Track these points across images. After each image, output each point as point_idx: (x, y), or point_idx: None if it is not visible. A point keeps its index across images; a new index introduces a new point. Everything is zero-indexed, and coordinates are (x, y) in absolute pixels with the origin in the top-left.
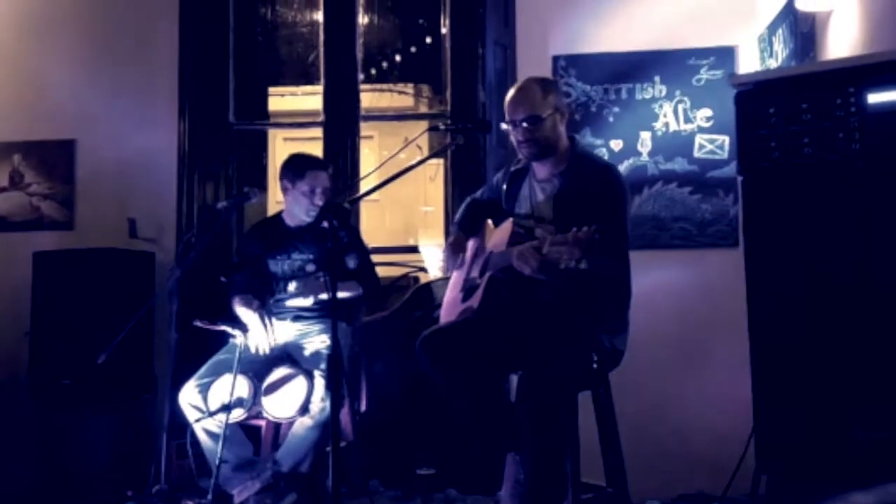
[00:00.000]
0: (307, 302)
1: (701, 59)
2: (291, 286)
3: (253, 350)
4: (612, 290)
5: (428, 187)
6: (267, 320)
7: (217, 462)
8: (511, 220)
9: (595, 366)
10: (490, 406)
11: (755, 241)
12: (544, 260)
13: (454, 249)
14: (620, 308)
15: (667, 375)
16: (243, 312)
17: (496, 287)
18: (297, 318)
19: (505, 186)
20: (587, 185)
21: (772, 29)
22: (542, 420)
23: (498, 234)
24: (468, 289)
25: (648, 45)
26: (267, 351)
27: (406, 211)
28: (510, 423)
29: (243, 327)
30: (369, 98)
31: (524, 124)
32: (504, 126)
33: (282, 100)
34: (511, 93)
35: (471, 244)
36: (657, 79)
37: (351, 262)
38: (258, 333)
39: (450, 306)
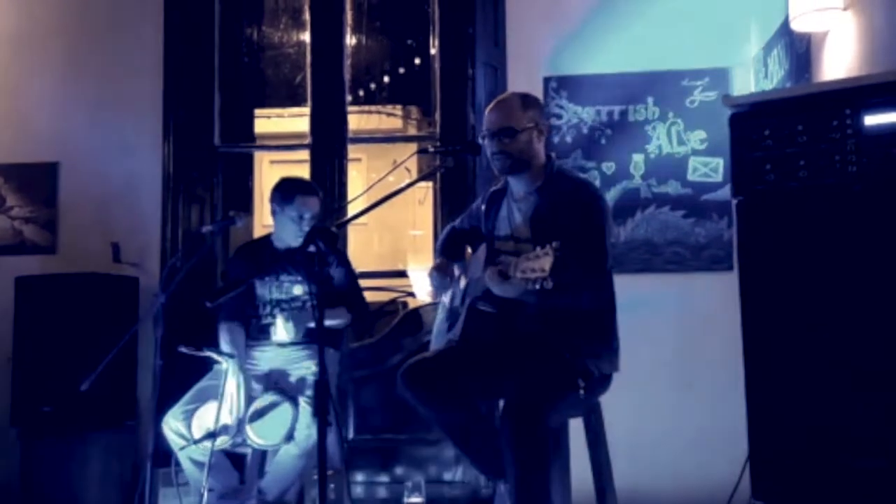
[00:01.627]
0: (297, 336)
1: (695, 80)
2: (280, 321)
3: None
4: (592, 313)
5: (417, 211)
6: (242, 379)
7: (202, 491)
8: (484, 245)
9: (582, 392)
10: (474, 436)
11: (750, 265)
12: (513, 280)
13: (441, 272)
14: (604, 331)
15: (661, 401)
16: (228, 352)
17: (476, 315)
18: (282, 345)
19: (484, 208)
20: (563, 201)
21: (767, 50)
22: (523, 448)
23: (475, 261)
24: (452, 317)
25: (641, 67)
26: (239, 411)
27: (394, 235)
28: (497, 451)
29: (229, 353)
30: (357, 120)
31: (499, 136)
32: (481, 139)
33: (268, 122)
34: (491, 104)
35: (456, 271)
36: (650, 100)
37: (338, 280)
38: (231, 392)
39: (439, 334)
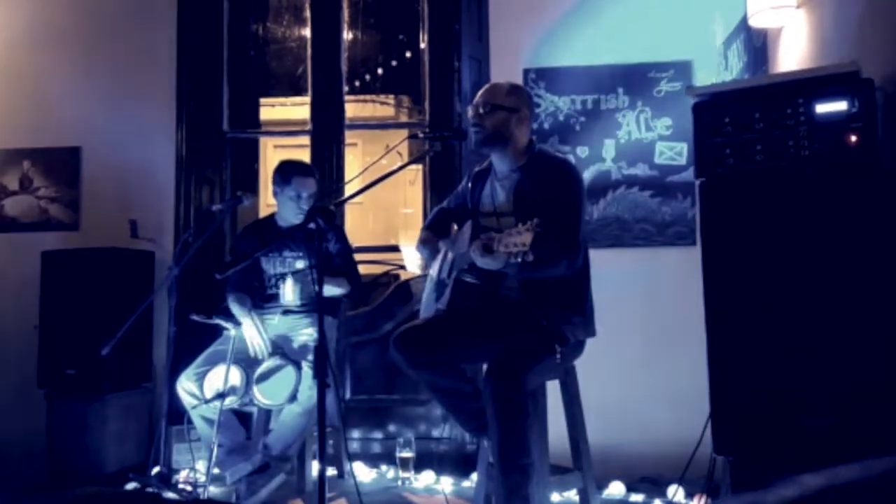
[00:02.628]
0: (302, 298)
1: (661, 72)
2: (289, 284)
3: (252, 354)
4: (567, 284)
5: (408, 191)
6: (259, 323)
7: (212, 446)
8: (469, 221)
9: (558, 356)
10: (460, 397)
11: (712, 240)
12: (496, 254)
13: (426, 244)
14: (579, 301)
15: (630, 364)
16: (237, 311)
17: (462, 286)
18: (286, 313)
19: (470, 185)
20: (543, 178)
21: (727, 44)
22: (504, 408)
23: (461, 237)
24: (440, 289)
25: (612, 60)
26: (265, 353)
27: (387, 213)
28: (480, 411)
29: (236, 321)
30: (353, 108)
31: (479, 108)
32: (469, 112)
33: (272, 110)
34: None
35: (441, 245)
36: (620, 90)
37: (336, 259)
38: (253, 336)
39: (427, 304)
